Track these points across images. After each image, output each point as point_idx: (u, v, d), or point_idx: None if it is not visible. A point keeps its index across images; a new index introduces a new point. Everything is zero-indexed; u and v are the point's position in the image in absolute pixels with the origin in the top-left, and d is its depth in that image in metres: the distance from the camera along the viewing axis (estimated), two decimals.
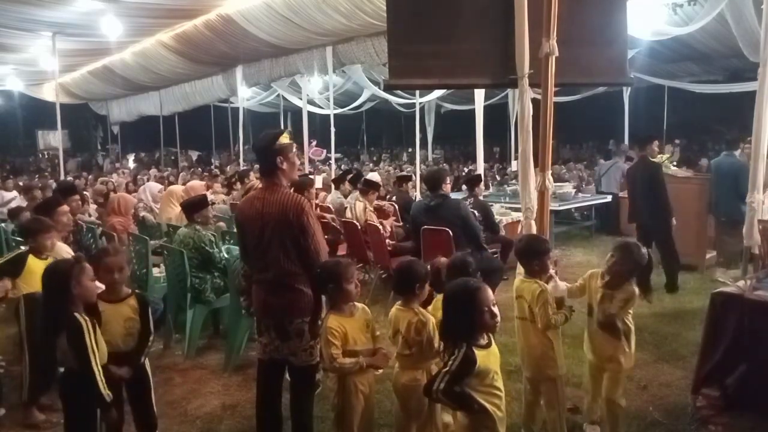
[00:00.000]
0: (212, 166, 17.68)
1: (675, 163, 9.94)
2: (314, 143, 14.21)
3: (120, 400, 2.95)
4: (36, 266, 3.63)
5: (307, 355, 3.03)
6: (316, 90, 13.68)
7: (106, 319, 2.91)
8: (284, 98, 16.62)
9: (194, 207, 5.18)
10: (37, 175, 16.17)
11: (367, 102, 16.59)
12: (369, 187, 7.03)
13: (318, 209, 7.62)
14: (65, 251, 3.99)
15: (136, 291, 3.22)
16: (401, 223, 7.26)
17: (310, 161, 13.41)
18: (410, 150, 21.22)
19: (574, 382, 3.91)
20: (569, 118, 14.75)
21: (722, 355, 3.63)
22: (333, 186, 9.02)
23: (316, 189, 8.45)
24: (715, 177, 7.02)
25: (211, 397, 4.16)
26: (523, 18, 3.68)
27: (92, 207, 7.77)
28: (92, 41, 10.87)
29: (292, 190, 3.17)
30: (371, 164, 18.29)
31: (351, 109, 16.66)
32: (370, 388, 2.96)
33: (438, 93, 14.07)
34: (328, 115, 11.82)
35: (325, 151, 14.34)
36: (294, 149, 3.15)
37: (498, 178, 12.83)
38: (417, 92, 12.62)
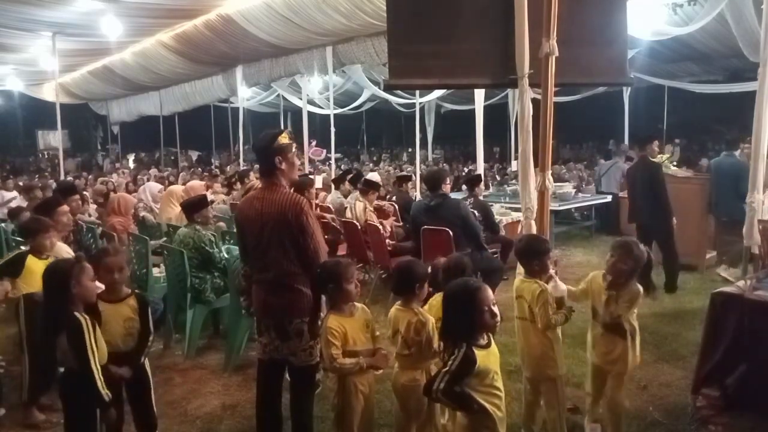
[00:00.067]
0: (212, 166, 17.69)
1: (675, 163, 9.94)
2: (314, 143, 14.20)
3: (120, 400, 2.95)
4: (36, 266, 3.63)
5: (306, 355, 3.03)
6: (316, 90, 13.69)
7: (105, 319, 2.91)
8: (284, 98, 16.63)
9: (194, 207, 5.18)
10: (37, 175, 16.17)
11: (367, 102, 16.60)
12: (369, 187, 7.03)
13: (318, 209, 7.62)
14: (65, 251, 3.99)
15: (136, 291, 3.22)
16: (401, 223, 7.26)
17: (310, 161, 13.41)
18: (410, 150, 21.23)
19: (574, 382, 3.91)
20: (569, 118, 14.75)
21: (722, 355, 3.63)
22: (333, 186, 9.02)
23: (316, 189, 8.45)
24: (715, 177, 7.01)
25: (211, 397, 4.15)
26: (523, 18, 3.68)
27: (92, 207, 7.78)
28: (92, 41, 10.87)
29: (292, 190, 3.17)
30: (371, 164, 18.29)
31: (351, 109, 16.66)
32: (370, 389, 2.96)
33: (438, 93, 14.07)
34: (328, 115, 11.83)
35: (324, 151, 14.34)
36: (293, 149, 3.14)
37: (498, 178, 12.84)
38: (417, 92, 12.62)
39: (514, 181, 10.45)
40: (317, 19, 8.85)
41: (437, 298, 3.06)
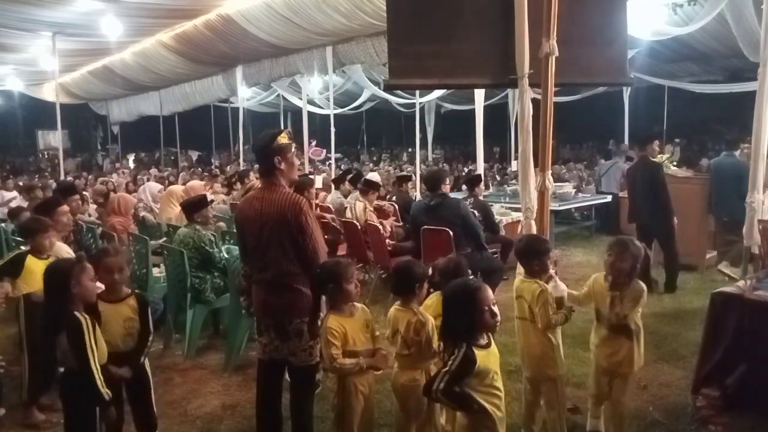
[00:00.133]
0: (212, 166, 17.69)
1: (675, 163, 9.94)
2: (314, 143, 14.21)
3: (120, 400, 2.95)
4: (35, 266, 3.63)
5: (306, 355, 3.03)
6: (316, 90, 13.69)
7: (105, 319, 2.92)
8: (284, 98, 16.63)
9: (194, 207, 5.18)
10: (37, 175, 16.16)
11: (367, 102, 16.60)
12: (369, 187, 7.03)
13: (318, 209, 7.62)
14: (65, 251, 3.99)
15: (136, 291, 3.22)
16: (401, 223, 7.26)
17: (310, 161, 13.42)
18: (410, 150, 21.23)
19: (574, 382, 3.91)
20: (569, 118, 14.77)
21: (722, 355, 3.62)
22: (333, 186, 9.02)
23: (316, 189, 8.45)
24: (715, 177, 7.00)
25: (211, 397, 4.15)
26: (523, 18, 3.68)
27: (92, 207, 7.78)
28: (92, 41, 10.87)
29: (292, 190, 3.17)
30: (371, 164, 18.29)
31: (351, 109, 16.66)
32: (370, 389, 2.96)
33: (438, 93, 14.07)
34: (328, 115, 11.83)
35: (324, 151, 14.35)
36: (293, 149, 3.14)
37: (498, 178, 12.83)
38: (417, 92, 12.62)
39: (514, 181, 10.45)
40: (317, 19, 8.85)
41: (433, 298, 3.07)
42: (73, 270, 2.72)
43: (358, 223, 6.68)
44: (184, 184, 9.16)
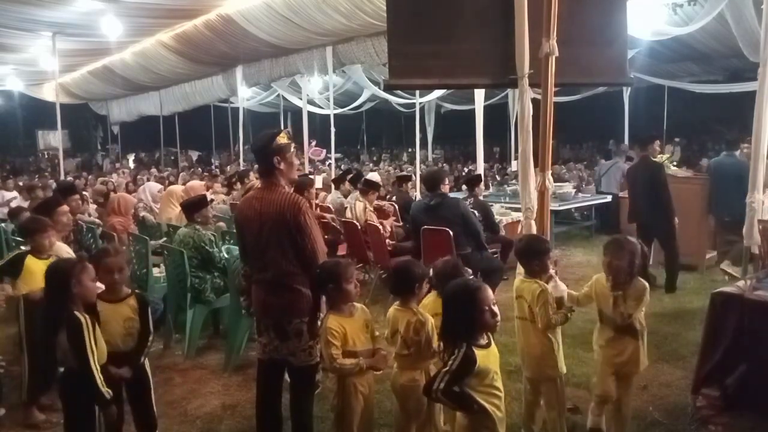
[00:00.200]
0: (212, 166, 17.69)
1: (675, 163, 9.93)
2: (314, 143, 14.21)
3: (120, 400, 2.95)
4: (35, 266, 3.63)
5: (306, 356, 3.03)
6: (316, 90, 13.68)
7: (105, 319, 2.92)
8: (284, 98, 16.63)
9: (194, 207, 5.19)
10: (37, 175, 16.17)
11: (367, 102, 16.60)
12: (369, 187, 7.03)
13: (318, 209, 7.63)
14: (65, 251, 3.99)
15: (136, 291, 3.22)
16: (401, 223, 7.26)
17: (310, 161, 13.42)
18: (410, 150, 21.23)
19: (574, 382, 3.91)
20: (569, 118, 14.77)
21: (722, 355, 3.62)
22: (333, 186, 9.02)
23: (316, 189, 8.45)
24: (716, 177, 6.98)
25: (211, 397, 4.15)
26: (523, 18, 3.68)
27: (92, 207, 7.78)
28: (92, 41, 10.87)
29: (292, 190, 3.17)
30: (371, 164, 18.29)
31: (351, 109, 16.66)
32: (370, 389, 2.96)
33: (438, 93, 14.07)
34: (328, 115, 11.82)
35: (324, 151, 14.35)
36: (292, 149, 3.13)
37: (498, 178, 12.83)
38: (417, 92, 12.62)
39: (514, 181, 10.45)
40: (317, 19, 8.85)
41: (430, 297, 3.07)
42: (74, 269, 2.73)
43: (358, 223, 6.68)
44: (184, 184, 9.16)
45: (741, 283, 3.86)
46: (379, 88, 13.27)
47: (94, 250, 4.56)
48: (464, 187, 7.24)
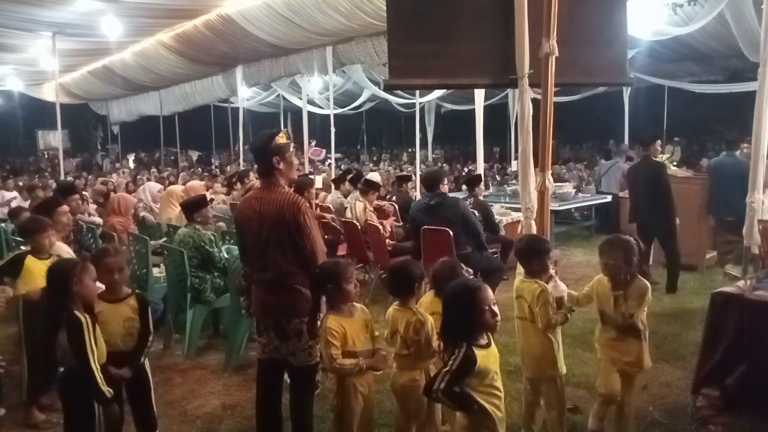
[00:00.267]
0: (212, 166, 17.69)
1: (675, 163, 9.93)
2: (314, 143, 14.21)
3: (120, 400, 2.95)
4: (35, 266, 3.63)
5: (306, 356, 3.03)
6: (316, 90, 13.68)
7: (105, 319, 2.92)
8: (284, 98, 16.62)
9: (194, 207, 5.19)
10: (37, 175, 16.17)
11: (367, 102, 16.59)
12: (369, 187, 7.03)
13: (318, 209, 7.63)
14: (65, 251, 3.99)
15: (136, 291, 3.22)
16: (401, 223, 7.26)
17: (310, 161, 13.42)
18: (410, 150, 21.23)
19: (574, 382, 3.91)
20: (569, 118, 14.78)
21: (722, 355, 3.62)
22: (333, 186, 9.02)
23: (316, 189, 8.45)
24: (717, 177, 6.97)
25: (211, 397, 4.15)
26: (523, 18, 3.68)
27: (92, 207, 7.78)
28: (92, 41, 10.87)
29: (292, 190, 3.17)
30: (371, 164, 18.29)
31: (351, 109, 16.66)
32: (370, 389, 2.96)
33: (438, 93, 14.07)
34: (328, 115, 11.82)
35: (324, 151, 14.35)
36: (291, 149, 3.13)
37: (498, 178, 12.83)
38: (417, 92, 12.61)
39: (514, 181, 10.45)
40: (317, 19, 8.85)
41: (427, 296, 3.07)
42: (75, 269, 2.74)
43: (358, 223, 6.68)
44: (184, 184, 9.16)
45: (741, 283, 3.85)
46: (379, 88, 13.27)
47: (94, 250, 4.56)
48: (464, 187, 7.24)
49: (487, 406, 2.42)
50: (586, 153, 20.45)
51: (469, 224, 5.48)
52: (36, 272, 3.57)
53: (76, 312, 2.65)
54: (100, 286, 2.94)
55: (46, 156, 24.72)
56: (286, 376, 3.25)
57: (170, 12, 9.43)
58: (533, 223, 3.90)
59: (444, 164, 17.13)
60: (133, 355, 3.02)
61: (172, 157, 22.09)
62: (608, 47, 4.04)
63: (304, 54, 11.19)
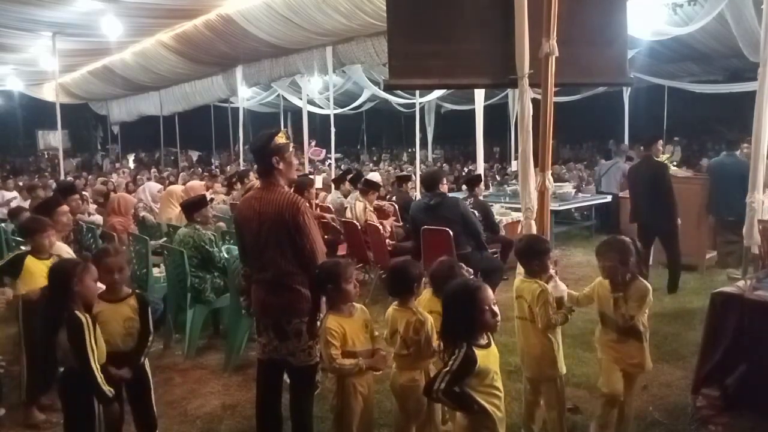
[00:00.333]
0: (212, 166, 17.68)
1: (675, 163, 9.93)
2: (314, 143, 14.20)
3: (120, 400, 2.95)
4: (35, 267, 3.63)
5: (305, 356, 3.03)
6: (316, 90, 13.68)
7: (105, 319, 2.92)
8: (284, 98, 16.62)
9: (194, 206, 5.19)
10: (37, 175, 16.17)
11: (367, 102, 16.59)
12: (369, 187, 7.03)
13: (318, 209, 7.63)
14: (65, 251, 3.99)
15: (136, 291, 3.22)
16: (401, 223, 7.26)
17: (310, 161, 13.42)
18: (410, 150, 21.23)
19: (574, 382, 3.91)
20: (569, 118, 14.74)
21: (722, 355, 3.62)
22: (333, 186, 9.02)
23: (316, 189, 8.45)
24: (718, 177, 6.96)
25: (211, 397, 4.15)
26: (523, 18, 3.69)
27: (92, 207, 7.78)
28: (92, 41, 10.87)
29: (292, 190, 3.17)
30: (371, 164, 18.29)
31: (351, 109, 16.66)
32: (369, 389, 2.96)
33: (438, 93, 14.07)
34: (328, 115, 11.82)
35: (324, 151, 14.34)
36: (291, 149, 3.13)
37: (498, 178, 12.83)
38: (417, 92, 12.61)
39: (514, 181, 10.45)
40: (317, 19, 8.84)
41: (426, 295, 3.07)
42: (76, 269, 2.74)
43: (358, 223, 6.68)
44: (184, 184, 9.16)
45: (741, 283, 3.86)
46: (379, 88, 13.27)
47: (94, 250, 4.56)
48: (464, 187, 7.24)
49: (487, 406, 2.42)
50: (586, 153, 20.45)
51: (469, 224, 5.48)
52: (36, 272, 3.57)
53: (77, 312, 2.65)
54: (101, 287, 2.94)
55: (46, 156, 24.72)
56: (286, 376, 3.25)
57: (170, 12, 9.43)
58: (533, 223, 3.90)
59: (444, 164, 17.13)
60: (133, 355, 3.02)
61: (172, 157, 22.09)
62: (608, 47, 4.04)
63: (304, 54, 11.19)
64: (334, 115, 11.63)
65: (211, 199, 7.09)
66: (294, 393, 3.17)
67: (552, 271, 3.19)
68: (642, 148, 6.69)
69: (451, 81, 4.55)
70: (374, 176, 9.34)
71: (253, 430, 3.38)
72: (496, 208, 7.58)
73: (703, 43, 10.53)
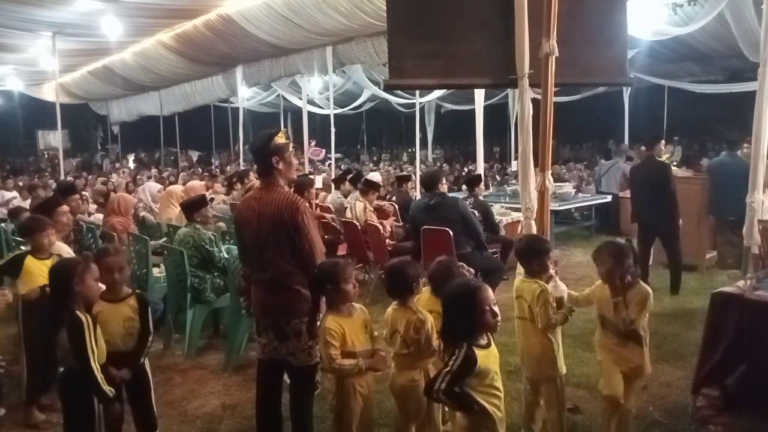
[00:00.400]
0: (212, 166, 17.69)
1: (675, 163, 9.93)
2: (314, 143, 14.20)
3: (120, 400, 2.95)
4: (35, 267, 3.63)
5: (305, 356, 3.03)
6: (316, 90, 13.68)
7: (105, 319, 2.92)
8: (284, 98, 16.62)
9: (193, 206, 5.19)
10: (37, 175, 16.17)
11: (367, 102, 16.58)
12: (369, 187, 7.03)
13: (318, 209, 7.63)
14: (65, 251, 3.99)
15: (137, 291, 3.22)
16: (401, 223, 7.26)
17: (310, 161, 13.42)
18: (410, 150, 21.23)
19: (574, 382, 3.91)
20: (569, 118, 14.74)
21: (722, 355, 3.62)
22: (333, 186, 9.03)
23: (316, 189, 8.45)
24: (719, 177, 6.94)
25: (211, 397, 4.15)
26: (523, 18, 3.69)
27: (92, 207, 7.78)
28: (92, 41, 10.87)
29: (292, 190, 3.17)
30: (371, 164, 18.29)
31: (351, 109, 16.65)
32: (369, 390, 2.95)
33: (438, 93, 14.06)
34: (328, 115, 11.82)
35: (324, 151, 14.34)
36: (290, 149, 3.12)
37: (498, 178, 12.83)
38: (417, 92, 12.61)
39: (514, 181, 10.45)
40: (317, 19, 8.85)
41: (424, 294, 3.07)
42: (77, 268, 2.73)
43: (358, 223, 6.68)
44: (183, 184, 9.16)
45: (741, 283, 3.85)
46: (379, 88, 13.27)
47: (94, 250, 4.56)
48: (464, 187, 7.24)
49: (487, 406, 2.42)
50: (586, 153, 20.44)
51: (468, 224, 5.48)
52: (36, 272, 3.57)
53: (78, 312, 2.65)
54: (102, 287, 2.94)
55: (46, 156, 24.72)
56: (286, 376, 3.25)
57: (170, 12, 9.43)
58: (533, 223, 3.90)
59: (444, 164, 17.12)
60: (133, 355, 3.02)
61: (172, 157, 22.09)
62: (608, 47, 4.04)
63: (304, 54, 11.19)
64: (334, 115, 11.63)
65: (211, 199, 7.09)
66: (294, 393, 3.17)
67: (552, 271, 3.19)
68: (644, 148, 6.68)
69: (451, 81, 4.56)
70: (374, 176, 9.35)
71: (253, 430, 3.38)
72: (496, 208, 7.58)
73: (703, 43, 10.52)
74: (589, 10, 3.95)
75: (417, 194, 9.65)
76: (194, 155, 23.49)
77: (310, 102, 13.56)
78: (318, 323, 2.96)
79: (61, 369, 2.77)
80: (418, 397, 2.79)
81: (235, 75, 13.19)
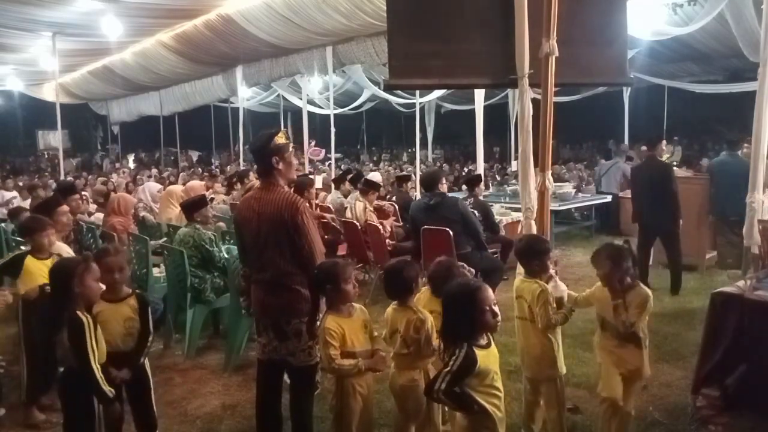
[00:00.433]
0: (212, 166, 17.69)
1: (675, 163, 9.93)
2: (314, 143, 14.21)
3: (120, 400, 2.95)
4: (34, 267, 3.62)
5: (305, 356, 3.03)
6: (316, 90, 13.68)
7: (105, 319, 2.92)
8: (284, 98, 16.62)
9: (193, 206, 5.19)
10: (37, 175, 16.17)
11: (367, 102, 16.58)
12: (369, 187, 7.03)
13: (318, 209, 7.63)
14: (65, 251, 3.99)
15: (137, 291, 3.22)
16: (401, 223, 7.26)
17: (310, 161, 13.42)
18: (410, 150, 21.23)
19: (574, 382, 3.91)
20: (569, 118, 14.74)
21: (722, 355, 3.62)
22: (333, 186, 9.03)
23: (316, 189, 8.45)
24: (719, 177, 6.94)
25: (211, 397, 4.15)
26: (523, 18, 3.69)
27: (92, 207, 7.78)
28: (92, 41, 10.87)
29: (292, 190, 3.17)
30: (371, 164, 18.29)
31: (351, 109, 16.65)
32: (369, 390, 2.95)
33: (438, 93, 14.06)
34: (328, 115, 11.82)
35: (324, 151, 14.34)
36: (290, 149, 3.12)
37: (498, 178, 12.83)
38: (417, 92, 12.61)
39: (514, 181, 10.45)
40: (317, 19, 8.85)
41: (424, 294, 3.06)
42: (77, 269, 2.73)
43: (358, 223, 6.68)
44: (183, 184, 9.16)
45: (741, 283, 3.85)
46: (379, 88, 13.27)
47: (94, 250, 4.56)
48: (464, 187, 7.24)
49: (487, 406, 2.42)
50: (586, 153, 20.44)
51: (468, 224, 5.48)
52: (36, 272, 3.57)
53: (78, 312, 2.65)
54: (102, 287, 2.94)
55: (46, 156, 24.71)
56: (286, 376, 3.25)
57: (170, 12, 9.43)
58: (533, 223, 3.91)
59: (444, 164, 17.13)
60: (133, 355, 3.02)
61: (172, 157, 22.09)
62: (608, 47, 4.04)
63: (304, 54, 11.19)
64: (334, 115, 11.63)
65: (211, 199, 7.09)
66: (294, 393, 3.17)
67: (552, 271, 3.19)
68: (646, 148, 6.68)
69: (451, 81, 4.56)
70: (374, 176, 9.35)
71: (253, 430, 3.38)
72: (496, 208, 7.58)
73: (703, 43, 10.52)
74: (589, 10, 3.95)
75: (417, 194, 9.64)
76: (194, 155, 23.50)
77: (310, 102, 13.56)
78: (318, 323, 2.96)
79: (61, 369, 2.77)
80: (418, 397, 2.79)
81: (235, 75, 13.19)
